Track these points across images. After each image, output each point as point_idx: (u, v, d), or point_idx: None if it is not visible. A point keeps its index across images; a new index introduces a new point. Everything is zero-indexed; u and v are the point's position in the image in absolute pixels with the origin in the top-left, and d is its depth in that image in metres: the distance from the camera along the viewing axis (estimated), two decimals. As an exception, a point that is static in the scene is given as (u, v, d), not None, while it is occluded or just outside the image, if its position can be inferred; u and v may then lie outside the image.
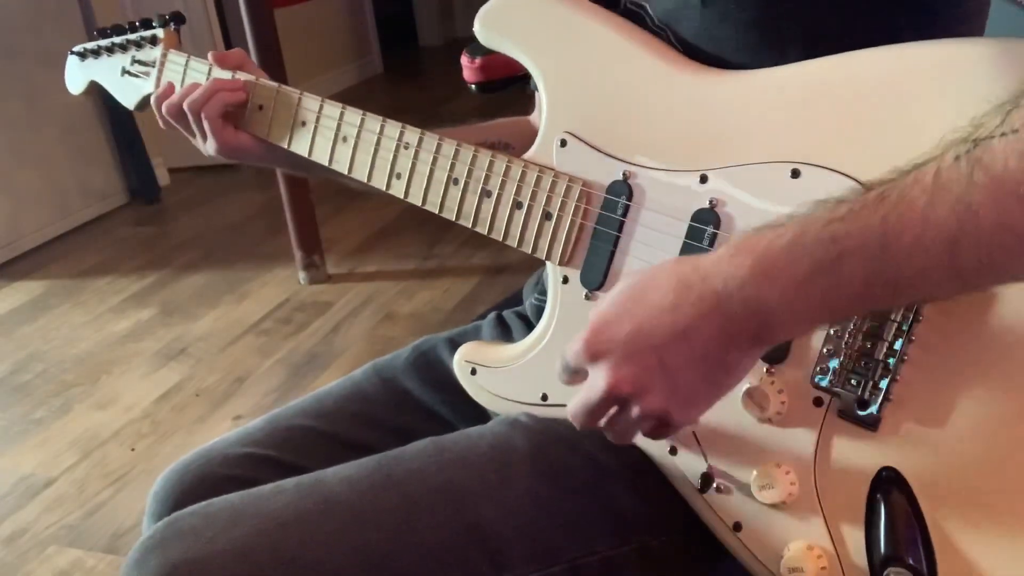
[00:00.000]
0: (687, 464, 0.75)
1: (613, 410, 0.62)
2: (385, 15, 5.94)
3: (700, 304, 0.56)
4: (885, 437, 0.65)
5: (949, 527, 0.64)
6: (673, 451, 0.75)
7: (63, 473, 2.08)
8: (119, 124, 3.68)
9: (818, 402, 0.68)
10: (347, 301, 2.77)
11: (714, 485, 0.73)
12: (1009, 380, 0.61)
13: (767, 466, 0.70)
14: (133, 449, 2.15)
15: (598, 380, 0.60)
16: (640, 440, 0.77)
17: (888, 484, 0.65)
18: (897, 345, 0.64)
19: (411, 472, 0.76)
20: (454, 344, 0.98)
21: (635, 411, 0.60)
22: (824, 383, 0.67)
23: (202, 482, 0.87)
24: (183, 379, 2.44)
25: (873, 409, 0.65)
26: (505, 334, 0.97)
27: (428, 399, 0.94)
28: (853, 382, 0.66)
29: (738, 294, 0.55)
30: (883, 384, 0.65)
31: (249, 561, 0.70)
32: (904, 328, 0.64)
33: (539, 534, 0.74)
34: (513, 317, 0.99)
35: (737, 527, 0.73)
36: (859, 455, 0.67)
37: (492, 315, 1.01)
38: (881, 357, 0.65)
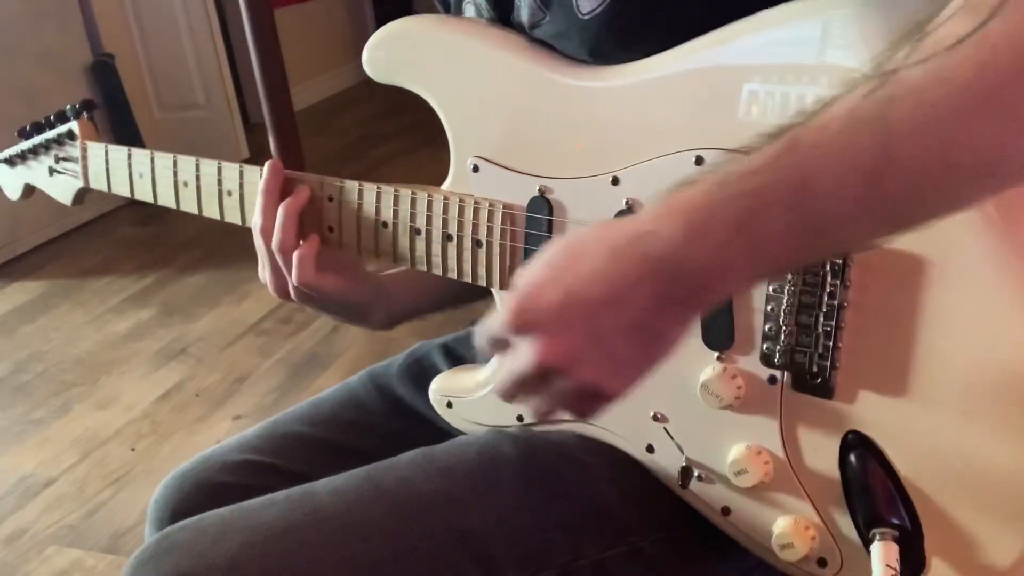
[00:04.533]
0: (667, 460, 0.76)
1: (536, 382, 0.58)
2: (385, 15, 5.94)
3: (631, 270, 0.53)
4: (842, 402, 0.67)
5: (924, 479, 0.65)
6: (650, 449, 0.76)
7: (63, 473, 2.08)
8: (120, 124, 3.68)
9: (772, 380, 0.69)
10: (347, 301, 2.77)
11: (695, 475, 0.74)
12: (947, 331, 0.62)
13: (739, 451, 0.71)
14: (133, 449, 2.15)
15: (526, 351, 0.56)
16: (617, 440, 0.78)
17: (856, 447, 0.67)
18: (832, 314, 0.65)
19: (400, 481, 0.77)
20: (448, 350, 0.99)
21: (564, 384, 0.56)
22: (772, 362, 0.68)
23: (201, 489, 0.88)
24: (183, 379, 2.44)
25: (823, 378, 0.67)
26: (498, 341, 0.97)
27: (421, 406, 0.94)
28: (799, 356, 0.67)
29: (667, 258, 0.52)
30: (826, 353, 0.66)
31: (239, 574, 0.70)
32: (835, 296, 0.64)
33: (529, 539, 0.74)
34: (505, 324, 0.99)
35: (726, 512, 0.74)
36: (823, 424, 0.68)
37: (486, 320, 1.01)
38: (819, 328, 0.66)
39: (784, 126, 0.51)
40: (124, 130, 3.70)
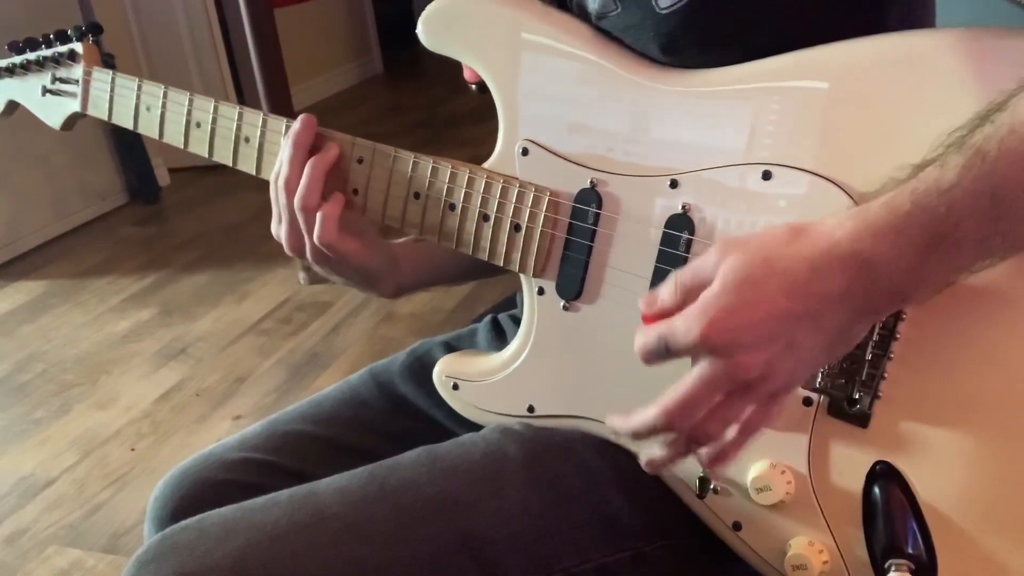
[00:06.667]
0: (684, 469, 0.75)
1: (719, 397, 0.59)
2: (385, 15, 5.94)
3: (832, 289, 0.55)
4: (877, 433, 0.66)
5: (947, 515, 0.64)
6: None
7: (63, 473, 2.08)
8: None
9: (807, 402, 0.68)
10: (347, 301, 2.77)
11: (712, 487, 0.73)
12: (996, 370, 0.62)
13: (763, 468, 0.70)
14: (133, 449, 2.15)
15: (719, 367, 0.57)
16: (630, 444, 0.77)
17: (883, 478, 0.66)
18: (882, 344, 0.64)
19: (404, 482, 0.76)
20: (450, 348, 0.99)
21: (753, 393, 0.58)
22: (812, 384, 0.68)
23: (201, 487, 0.88)
24: (183, 379, 2.44)
25: (862, 407, 0.66)
26: (499, 338, 0.97)
27: (423, 403, 0.94)
28: (841, 381, 0.66)
29: (868, 277, 0.55)
30: (870, 382, 0.65)
31: (242, 574, 0.70)
32: (888, 327, 0.64)
33: (533, 543, 0.74)
34: (508, 321, 0.99)
35: (737, 526, 0.73)
36: (852, 451, 0.67)
37: (488, 318, 1.01)
38: (867, 356, 0.65)
39: (964, 134, 0.53)
40: (124, 131, 3.69)
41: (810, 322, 0.56)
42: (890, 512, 0.66)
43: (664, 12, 0.70)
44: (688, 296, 0.59)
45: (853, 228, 0.55)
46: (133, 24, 4.04)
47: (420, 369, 0.96)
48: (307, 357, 2.50)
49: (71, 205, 3.61)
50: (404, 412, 0.95)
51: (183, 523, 0.76)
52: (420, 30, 0.79)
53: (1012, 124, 0.52)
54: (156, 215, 3.74)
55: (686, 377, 0.58)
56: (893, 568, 0.65)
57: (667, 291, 0.60)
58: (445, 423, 0.92)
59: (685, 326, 0.57)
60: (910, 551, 0.65)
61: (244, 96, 4.46)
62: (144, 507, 0.92)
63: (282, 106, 2.79)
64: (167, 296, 2.96)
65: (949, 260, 0.54)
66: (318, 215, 0.81)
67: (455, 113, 4.59)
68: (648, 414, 0.59)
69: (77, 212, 3.63)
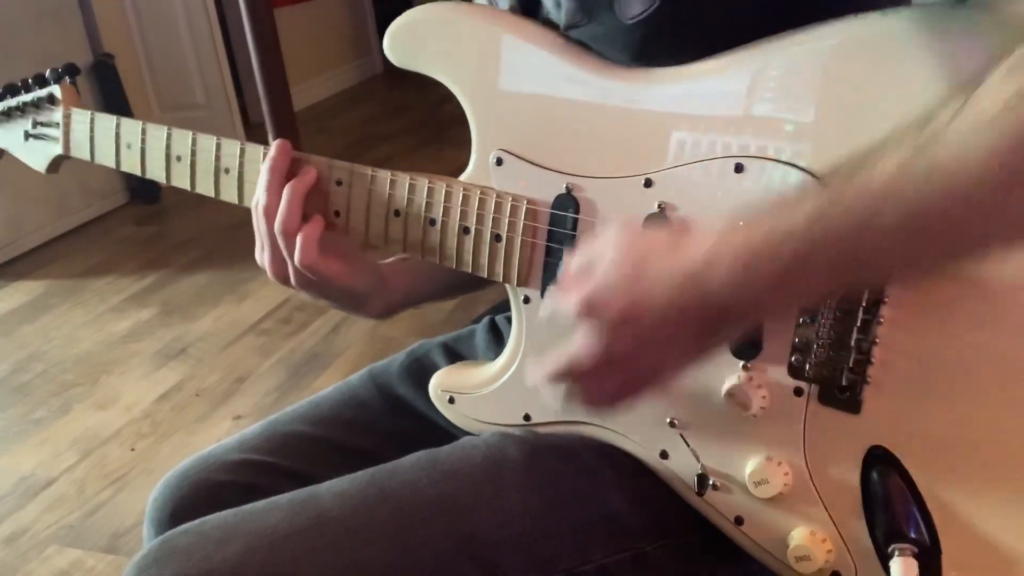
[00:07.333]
0: (681, 467, 0.75)
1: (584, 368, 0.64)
2: (385, 15, 5.94)
3: (688, 304, 0.59)
4: (869, 418, 0.66)
5: (946, 495, 0.64)
6: (664, 455, 0.75)
7: (63, 473, 2.08)
8: (119, 124, 3.68)
9: (798, 392, 0.69)
10: (347, 301, 2.77)
11: (710, 483, 0.73)
12: (982, 348, 0.62)
13: (759, 462, 0.70)
14: (133, 449, 2.15)
15: (593, 336, 0.62)
16: (628, 445, 0.77)
17: (879, 462, 0.66)
18: (866, 329, 0.65)
19: (404, 485, 0.76)
20: (448, 349, 0.99)
21: (619, 372, 0.63)
22: (800, 373, 0.68)
23: (200, 488, 0.88)
24: (183, 379, 2.44)
25: (853, 393, 0.66)
26: (497, 340, 0.97)
27: (422, 405, 0.94)
28: (829, 369, 0.67)
29: (716, 300, 0.58)
30: (858, 368, 0.65)
31: None
32: (871, 311, 0.64)
33: (534, 544, 0.74)
34: (505, 323, 0.98)
35: (739, 521, 0.73)
36: (847, 438, 0.67)
37: (486, 320, 1.01)
38: (852, 342, 0.65)
39: (841, 170, 0.54)
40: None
41: (672, 320, 0.60)
42: (889, 497, 0.66)
43: (630, 23, 0.71)
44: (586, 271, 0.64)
45: (716, 239, 0.58)
46: (133, 24, 4.04)
47: (419, 370, 0.96)
48: (307, 357, 2.50)
49: (71, 205, 3.60)
50: (403, 413, 0.95)
51: (182, 527, 0.76)
52: (386, 46, 0.80)
53: (873, 173, 0.52)
54: (156, 215, 3.74)
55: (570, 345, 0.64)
56: (897, 552, 0.65)
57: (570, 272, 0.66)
58: (444, 424, 0.91)
59: (568, 299, 0.63)
60: (912, 535, 0.65)
61: (244, 96, 4.46)
62: (144, 507, 0.92)
63: (282, 106, 2.79)
64: (167, 296, 2.96)
65: (798, 291, 0.58)
66: (298, 238, 0.80)
67: (455, 113, 4.53)
68: (537, 372, 0.66)
69: (77, 212, 3.63)
